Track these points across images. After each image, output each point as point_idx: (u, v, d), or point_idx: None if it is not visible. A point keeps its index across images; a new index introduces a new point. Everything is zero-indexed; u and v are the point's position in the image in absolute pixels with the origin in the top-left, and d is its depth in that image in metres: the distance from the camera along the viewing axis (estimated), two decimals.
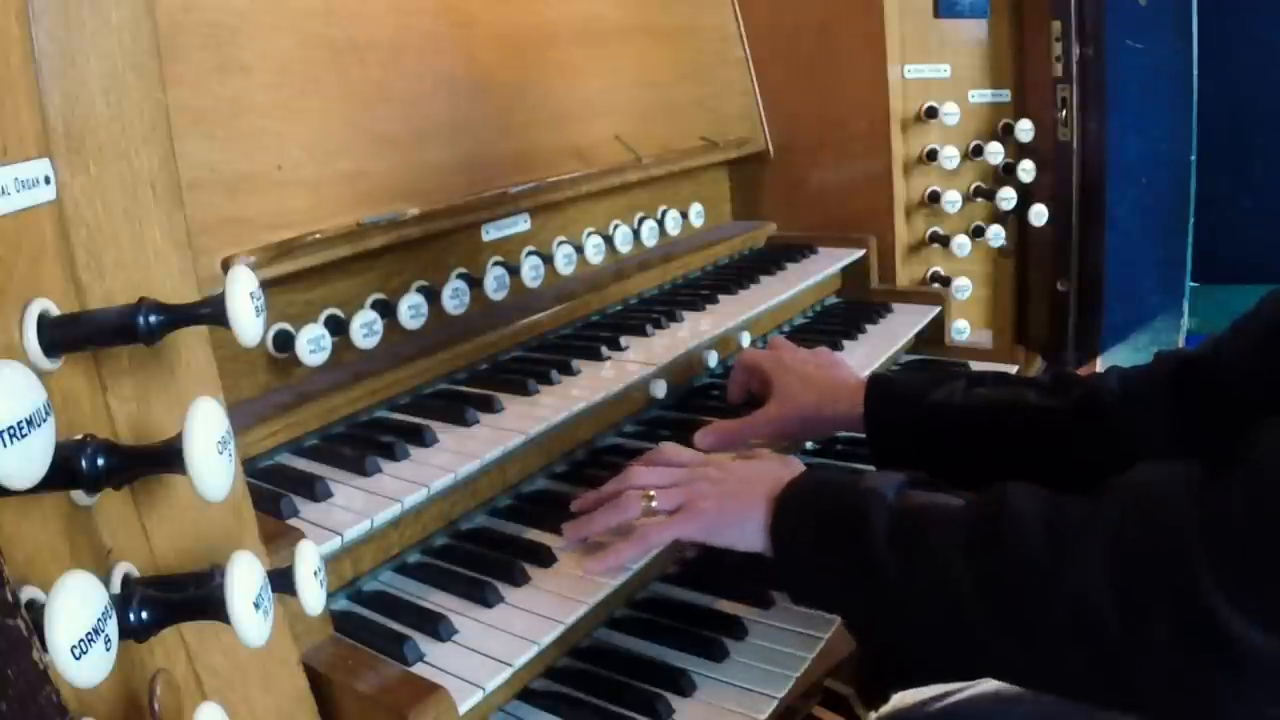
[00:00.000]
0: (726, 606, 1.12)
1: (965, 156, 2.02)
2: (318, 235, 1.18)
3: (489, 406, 1.19)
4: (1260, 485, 0.70)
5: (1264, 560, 0.68)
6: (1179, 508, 0.74)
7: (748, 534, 1.00)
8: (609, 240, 1.65)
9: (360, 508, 0.97)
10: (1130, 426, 1.06)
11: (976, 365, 1.74)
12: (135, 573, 0.61)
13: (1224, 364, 1.01)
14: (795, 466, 1.06)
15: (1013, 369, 1.72)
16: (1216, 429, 0.98)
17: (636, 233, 1.72)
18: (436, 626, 0.94)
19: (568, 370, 1.31)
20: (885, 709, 1.17)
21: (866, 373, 1.32)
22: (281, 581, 0.63)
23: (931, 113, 1.97)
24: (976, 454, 1.15)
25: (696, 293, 1.66)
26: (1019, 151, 2.07)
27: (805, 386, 1.29)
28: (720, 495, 1.02)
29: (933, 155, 1.96)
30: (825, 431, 1.38)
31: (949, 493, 0.93)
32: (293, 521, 0.94)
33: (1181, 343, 2.23)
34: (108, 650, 0.49)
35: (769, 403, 1.31)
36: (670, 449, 1.15)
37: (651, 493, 1.05)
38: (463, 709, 0.83)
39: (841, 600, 0.97)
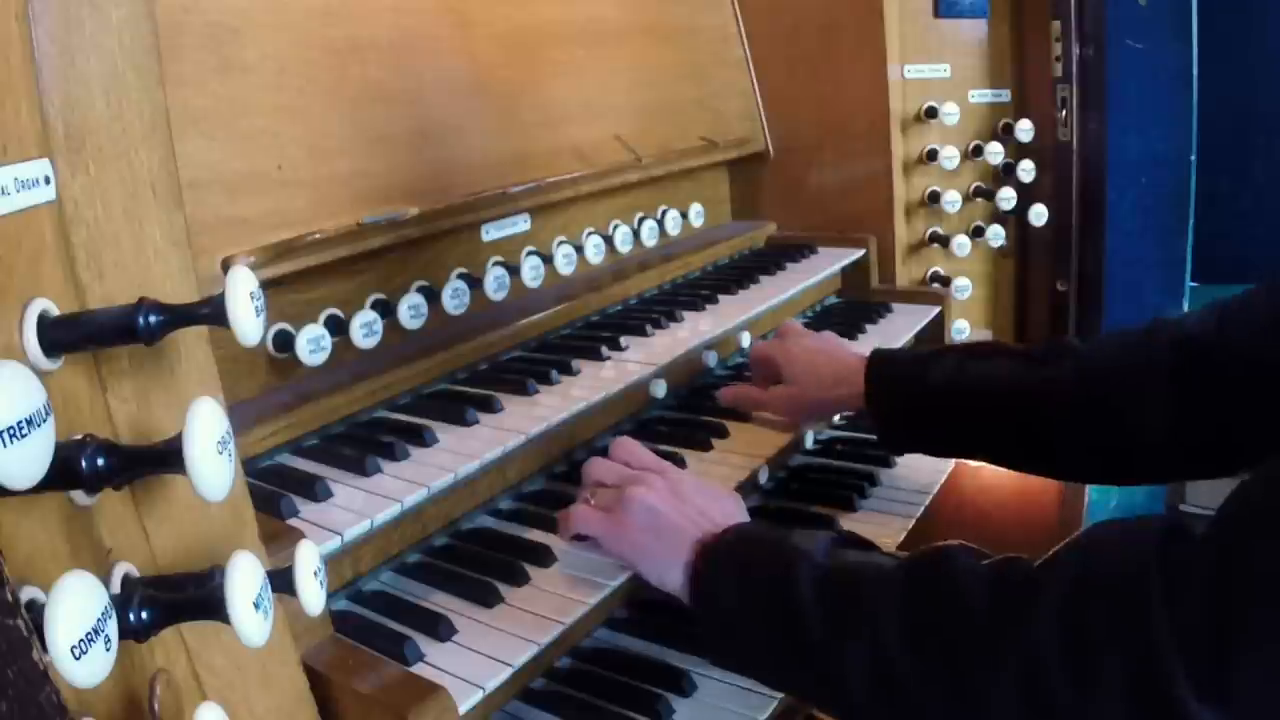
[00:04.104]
0: None
1: (965, 156, 2.02)
2: (318, 235, 1.18)
3: (489, 406, 1.19)
4: (1230, 550, 0.64)
5: (1227, 632, 0.62)
6: (1141, 569, 0.67)
7: (669, 577, 0.96)
8: (609, 240, 1.65)
9: (360, 508, 0.97)
10: (1129, 408, 1.04)
11: None
12: (135, 573, 0.61)
13: (1228, 345, 0.98)
14: (734, 510, 1.04)
15: None
16: (1217, 411, 0.98)
17: (636, 233, 1.72)
18: (436, 626, 0.94)
19: (568, 370, 1.31)
20: None
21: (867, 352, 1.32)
22: (281, 581, 0.63)
23: (931, 113, 1.97)
24: (976, 433, 1.19)
25: (696, 293, 1.66)
26: (1019, 151, 2.07)
27: (811, 374, 1.34)
28: (650, 527, 0.98)
29: (933, 155, 1.96)
30: (833, 413, 1.44)
31: (882, 553, 0.90)
32: (293, 521, 0.94)
33: None
34: (108, 650, 0.49)
35: (782, 386, 1.37)
36: (623, 447, 1.13)
37: (597, 489, 1.06)
38: (463, 709, 0.83)
39: (766, 665, 0.92)
